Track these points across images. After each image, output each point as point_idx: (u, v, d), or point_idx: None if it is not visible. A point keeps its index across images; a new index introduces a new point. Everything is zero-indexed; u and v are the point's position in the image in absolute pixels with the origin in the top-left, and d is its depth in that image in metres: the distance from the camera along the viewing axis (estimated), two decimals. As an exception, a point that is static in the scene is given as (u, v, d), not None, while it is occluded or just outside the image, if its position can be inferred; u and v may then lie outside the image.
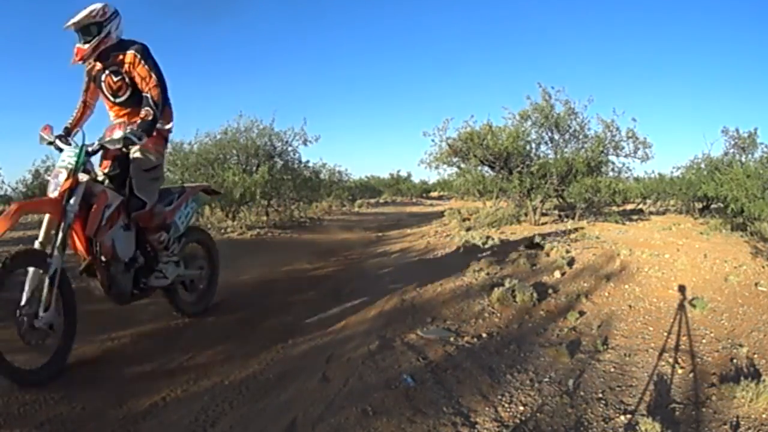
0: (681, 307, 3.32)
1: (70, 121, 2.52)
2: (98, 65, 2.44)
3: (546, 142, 7.71)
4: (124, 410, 1.89)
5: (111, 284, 2.38)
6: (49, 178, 2.23)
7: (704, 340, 2.85)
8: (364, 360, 2.40)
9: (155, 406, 1.93)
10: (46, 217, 2.12)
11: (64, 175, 2.12)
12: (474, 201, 13.77)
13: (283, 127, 8.96)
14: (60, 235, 2.06)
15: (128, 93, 2.45)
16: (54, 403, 1.92)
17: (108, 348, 2.55)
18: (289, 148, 9.13)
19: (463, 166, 8.37)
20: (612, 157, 7.55)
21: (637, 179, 9.33)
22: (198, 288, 3.12)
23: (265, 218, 9.11)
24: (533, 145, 7.73)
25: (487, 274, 4.09)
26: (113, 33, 2.36)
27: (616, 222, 7.31)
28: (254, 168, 8.56)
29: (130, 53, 2.39)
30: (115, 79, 2.43)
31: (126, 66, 2.40)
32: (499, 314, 3.18)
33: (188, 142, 8.43)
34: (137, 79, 2.40)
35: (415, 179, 26.27)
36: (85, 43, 2.31)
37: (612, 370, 2.42)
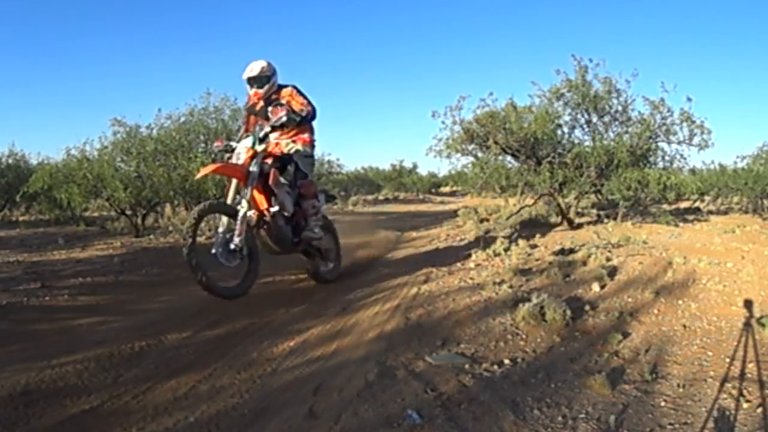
0: (747, 326, 3.31)
1: (239, 136, 4.28)
2: (262, 103, 4.19)
3: (582, 126, 7.68)
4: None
5: (278, 233, 3.87)
6: (231, 160, 3.77)
7: (775, 368, 2.85)
8: (360, 392, 2.40)
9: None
10: (233, 182, 3.59)
11: (244, 152, 3.67)
12: (494, 198, 13.78)
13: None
14: (248, 188, 3.53)
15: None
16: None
17: (48, 377, 2.55)
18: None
19: (480, 155, 8.37)
20: (662, 144, 7.53)
21: (693, 171, 9.32)
22: (329, 258, 4.71)
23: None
24: (566, 130, 7.71)
25: (510, 287, 4.09)
26: (276, 82, 4.18)
27: (668, 223, 7.31)
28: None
29: (287, 90, 4.17)
30: (279, 108, 3.94)
31: (286, 98, 4.12)
32: (524, 336, 3.18)
33: (146, 125, 8.39)
34: (295, 105, 4.08)
35: (422, 171, 26.22)
36: (259, 88, 4.11)
37: (662, 404, 2.42)
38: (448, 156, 8.13)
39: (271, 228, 3.82)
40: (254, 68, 4.06)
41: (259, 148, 3.67)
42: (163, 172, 7.33)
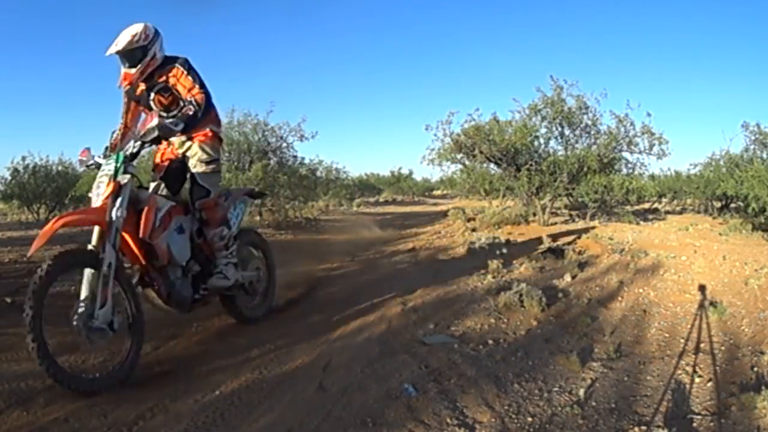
0: (699, 312, 3.31)
1: (111, 142, 2.60)
2: (143, 86, 2.64)
3: (556, 138, 7.71)
4: (109, 421, 1.89)
5: (170, 291, 2.49)
6: (92, 192, 2.29)
7: (723, 347, 2.85)
8: (364, 368, 2.40)
9: (142, 417, 1.93)
10: (96, 228, 2.17)
11: (105, 182, 2.21)
12: (479, 200, 13.77)
13: (278, 122, 8.95)
14: (112, 235, 2.13)
15: (179, 106, 2.65)
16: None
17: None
18: (284, 145, 9.12)
19: (467, 162, 8.38)
20: (626, 154, 7.55)
21: (652, 177, 9.33)
22: (258, 291, 3.23)
23: (257, 219, 9.10)
24: (542, 141, 7.72)
25: (493, 277, 4.09)
26: (158, 54, 2.55)
27: (630, 222, 7.31)
28: (247, 165, 8.54)
29: (174, 69, 2.60)
30: (165, 95, 2.65)
31: (172, 80, 2.61)
32: (505, 320, 3.18)
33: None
34: (182, 90, 2.59)
35: (417, 177, 26.26)
36: (131, 67, 2.51)
37: (626, 378, 2.42)
38: (440, 164, 8.18)
39: (161, 285, 2.45)
40: (121, 41, 2.44)
41: (124, 178, 2.23)
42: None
